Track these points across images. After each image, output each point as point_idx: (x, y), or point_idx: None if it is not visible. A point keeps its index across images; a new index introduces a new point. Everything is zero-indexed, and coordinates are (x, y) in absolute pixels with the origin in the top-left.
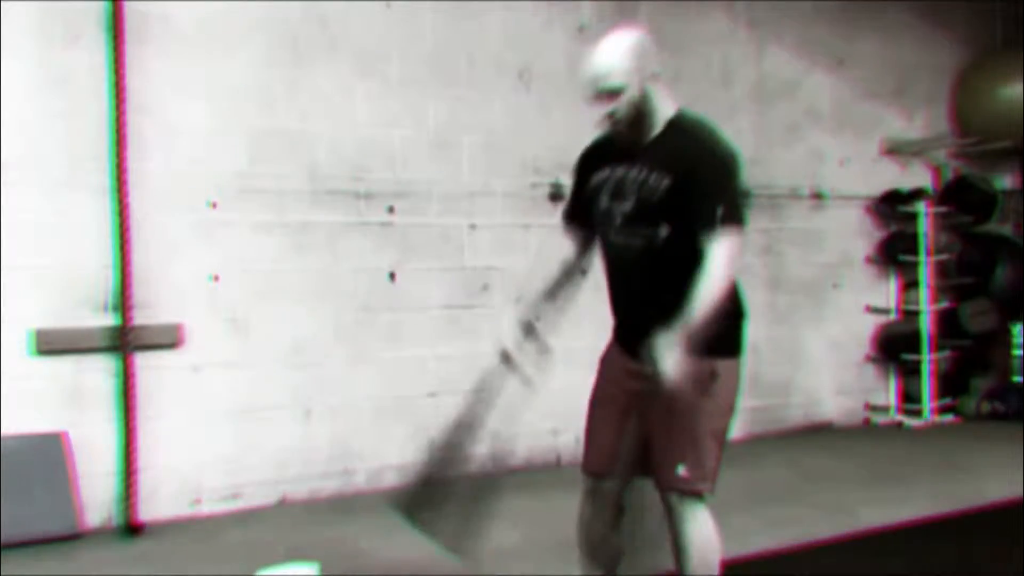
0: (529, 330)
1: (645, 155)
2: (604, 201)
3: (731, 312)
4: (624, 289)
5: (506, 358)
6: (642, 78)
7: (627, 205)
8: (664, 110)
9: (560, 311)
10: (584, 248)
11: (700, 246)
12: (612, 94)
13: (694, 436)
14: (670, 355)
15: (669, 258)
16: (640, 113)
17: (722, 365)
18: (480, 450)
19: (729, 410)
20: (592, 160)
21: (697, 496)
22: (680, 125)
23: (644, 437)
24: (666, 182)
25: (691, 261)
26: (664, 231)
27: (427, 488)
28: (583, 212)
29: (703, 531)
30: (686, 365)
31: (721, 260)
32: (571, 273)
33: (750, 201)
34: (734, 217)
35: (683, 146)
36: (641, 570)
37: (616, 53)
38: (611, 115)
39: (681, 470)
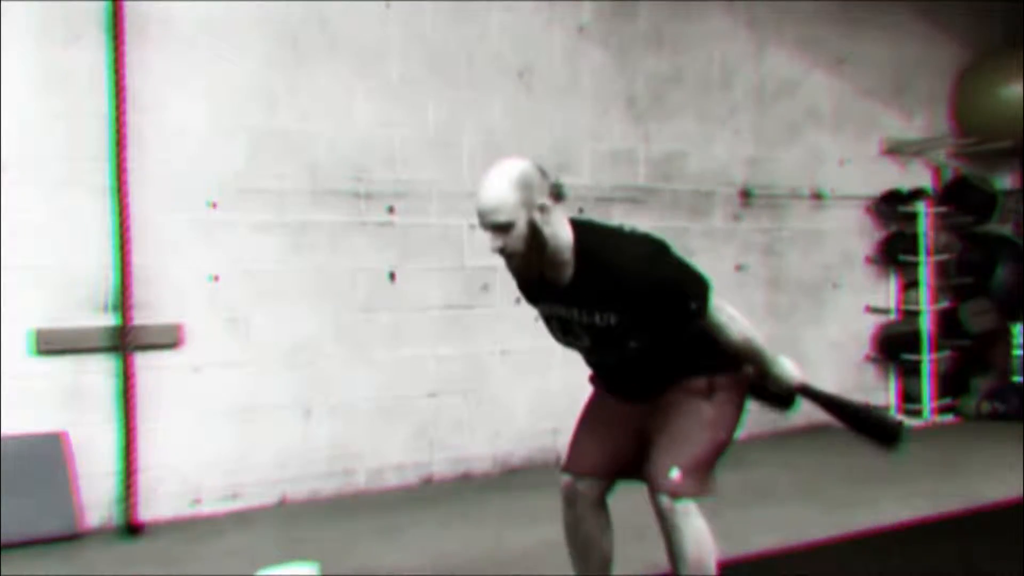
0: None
1: (574, 296)
2: (560, 335)
3: (706, 350)
4: (610, 379)
5: None
6: (529, 211)
7: (584, 341)
8: (562, 239)
9: None
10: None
11: (674, 339)
12: (501, 228)
13: (692, 442)
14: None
15: (646, 356)
16: (535, 245)
17: (720, 380)
18: None
19: (732, 424)
20: (529, 289)
21: (690, 499)
22: (590, 254)
23: (642, 442)
24: (612, 318)
25: (668, 349)
26: (633, 344)
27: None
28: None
29: (697, 532)
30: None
31: (726, 328)
32: None
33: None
34: (701, 295)
35: (607, 280)
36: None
37: (501, 188)
38: (502, 250)
39: (674, 474)
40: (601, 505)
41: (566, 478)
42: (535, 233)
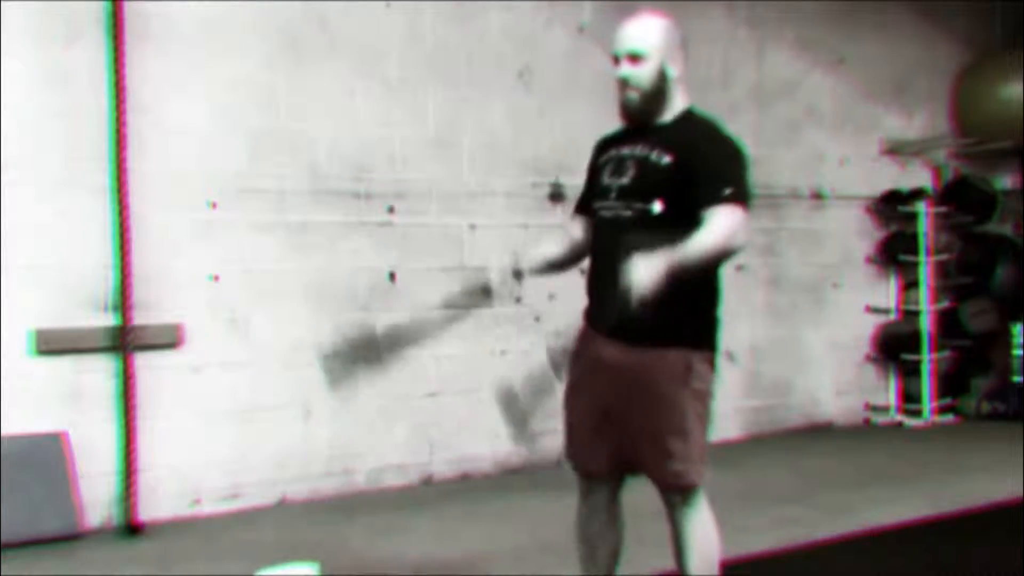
0: (517, 275)
1: (652, 137)
2: (604, 178)
3: (706, 307)
4: (607, 263)
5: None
6: (663, 58)
7: (625, 179)
8: (678, 101)
9: (552, 273)
10: (590, 237)
11: (698, 220)
12: (633, 58)
13: (680, 428)
14: (646, 265)
15: (659, 233)
16: (654, 90)
17: (696, 356)
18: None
19: (708, 395)
20: (603, 146)
21: (694, 489)
22: (692, 117)
23: (628, 435)
24: (667, 159)
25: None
26: (657, 207)
27: None
28: (590, 199)
29: (703, 528)
30: (658, 278)
31: (723, 221)
32: (573, 254)
33: (754, 195)
34: (738, 196)
35: (691, 131)
36: (642, 566)
37: (650, 24)
38: (625, 80)
39: (673, 465)
40: (614, 502)
41: (582, 481)
42: (661, 78)
